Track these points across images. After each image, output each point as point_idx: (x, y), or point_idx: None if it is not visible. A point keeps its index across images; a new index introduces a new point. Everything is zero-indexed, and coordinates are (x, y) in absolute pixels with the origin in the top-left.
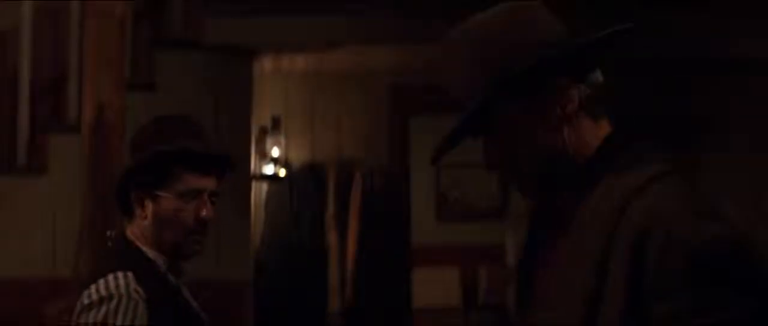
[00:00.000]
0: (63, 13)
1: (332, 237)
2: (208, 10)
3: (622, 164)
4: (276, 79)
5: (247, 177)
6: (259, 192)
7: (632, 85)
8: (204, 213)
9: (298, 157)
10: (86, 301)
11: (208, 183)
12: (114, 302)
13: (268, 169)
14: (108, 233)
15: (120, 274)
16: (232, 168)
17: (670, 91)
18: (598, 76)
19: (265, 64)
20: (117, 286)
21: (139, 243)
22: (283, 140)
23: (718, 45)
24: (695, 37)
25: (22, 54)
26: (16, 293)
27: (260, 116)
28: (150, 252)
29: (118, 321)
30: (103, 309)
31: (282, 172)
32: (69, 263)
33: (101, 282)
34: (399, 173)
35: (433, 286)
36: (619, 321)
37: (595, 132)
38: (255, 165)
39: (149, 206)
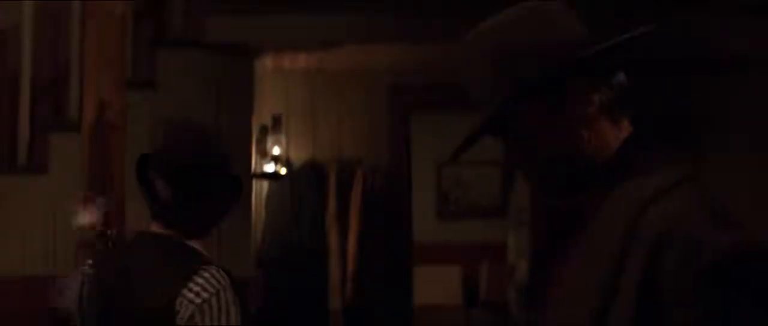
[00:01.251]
0: (63, 12)
1: (333, 236)
2: (209, 10)
3: (641, 167)
4: (277, 77)
5: (248, 176)
6: (260, 190)
7: (632, 85)
8: None
9: (299, 156)
10: (198, 301)
11: None
12: (223, 295)
13: (269, 168)
14: (108, 232)
15: (212, 269)
16: None
17: (670, 91)
18: (619, 77)
19: (266, 63)
20: (218, 280)
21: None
22: (283, 139)
23: (718, 44)
24: (695, 37)
25: (23, 53)
26: (15, 292)
27: (261, 115)
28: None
29: (232, 311)
30: (215, 303)
31: (283, 171)
32: (69, 262)
33: (200, 280)
34: (400, 171)
35: (434, 284)
36: (630, 323)
37: (616, 133)
38: (256, 163)
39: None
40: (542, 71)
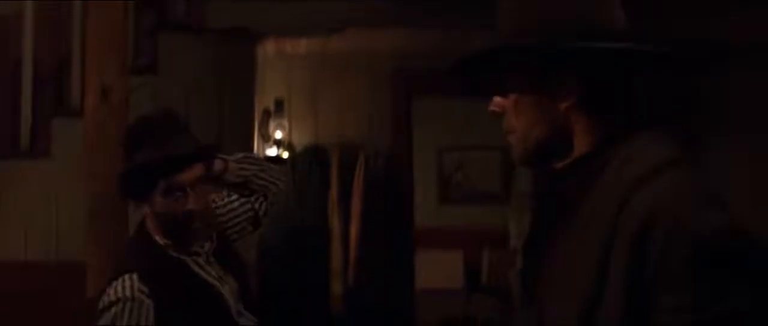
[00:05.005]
0: None
1: (335, 220)
2: None
3: (629, 152)
4: (279, 62)
5: None
6: None
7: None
8: (187, 206)
9: (301, 140)
10: (100, 305)
11: (192, 174)
12: (120, 306)
13: (271, 152)
14: None
15: (126, 277)
16: (214, 151)
17: (669, 79)
18: (612, 66)
19: (268, 47)
20: (123, 289)
21: (152, 232)
22: (286, 123)
23: (718, 30)
24: (695, 23)
25: (25, 38)
26: (18, 276)
27: (263, 99)
28: (161, 240)
29: (124, 322)
30: (112, 312)
31: (285, 155)
32: (71, 246)
33: (110, 288)
34: (402, 156)
35: (436, 269)
36: (620, 309)
37: (604, 120)
38: (258, 147)
39: (147, 205)
40: (532, 42)
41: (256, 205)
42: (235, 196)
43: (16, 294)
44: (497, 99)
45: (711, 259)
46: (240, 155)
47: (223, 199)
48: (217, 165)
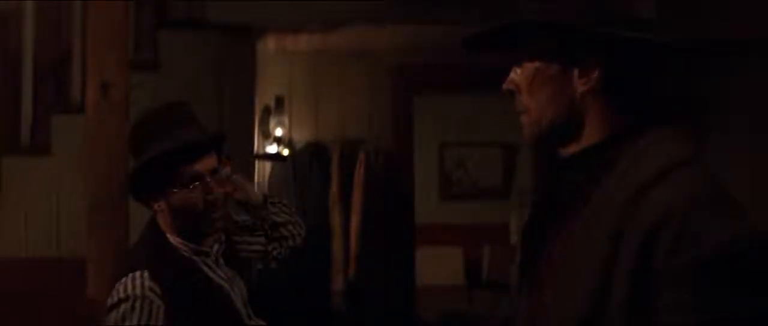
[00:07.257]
0: None
1: (335, 217)
2: None
3: (641, 148)
4: (279, 58)
5: (251, 157)
6: (262, 171)
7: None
8: (209, 195)
9: (302, 137)
10: (109, 302)
11: (207, 164)
12: (129, 303)
13: (272, 149)
14: None
15: (137, 274)
16: (224, 140)
17: (671, 72)
18: (632, 59)
19: (269, 44)
20: (133, 287)
21: (166, 231)
22: (286, 119)
23: (717, 26)
24: (694, 18)
25: (26, 34)
26: (18, 273)
27: (264, 96)
28: (173, 239)
29: (134, 320)
30: (121, 309)
31: (285, 152)
32: (72, 243)
33: (120, 284)
34: (402, 152)
35: (437, 265)
36: (623, 308)
37: (619, 110)
38: (258, 144)
39: (161, 201)
40: (560, 23)
41: (269, 247)
42: (258, 232)
43: (16, 293)
44: (512, 75)
45: (715, 264)
46: (276, 199)
47: (240, 225)
48: (252, 195)
